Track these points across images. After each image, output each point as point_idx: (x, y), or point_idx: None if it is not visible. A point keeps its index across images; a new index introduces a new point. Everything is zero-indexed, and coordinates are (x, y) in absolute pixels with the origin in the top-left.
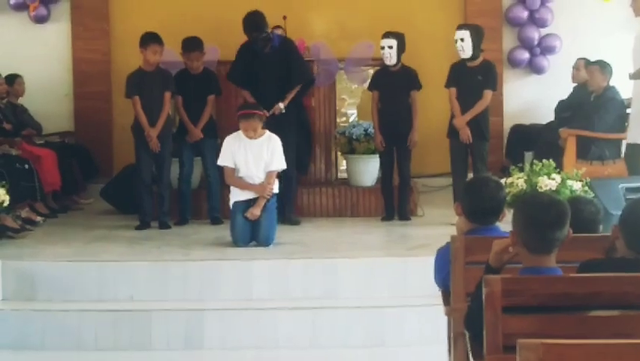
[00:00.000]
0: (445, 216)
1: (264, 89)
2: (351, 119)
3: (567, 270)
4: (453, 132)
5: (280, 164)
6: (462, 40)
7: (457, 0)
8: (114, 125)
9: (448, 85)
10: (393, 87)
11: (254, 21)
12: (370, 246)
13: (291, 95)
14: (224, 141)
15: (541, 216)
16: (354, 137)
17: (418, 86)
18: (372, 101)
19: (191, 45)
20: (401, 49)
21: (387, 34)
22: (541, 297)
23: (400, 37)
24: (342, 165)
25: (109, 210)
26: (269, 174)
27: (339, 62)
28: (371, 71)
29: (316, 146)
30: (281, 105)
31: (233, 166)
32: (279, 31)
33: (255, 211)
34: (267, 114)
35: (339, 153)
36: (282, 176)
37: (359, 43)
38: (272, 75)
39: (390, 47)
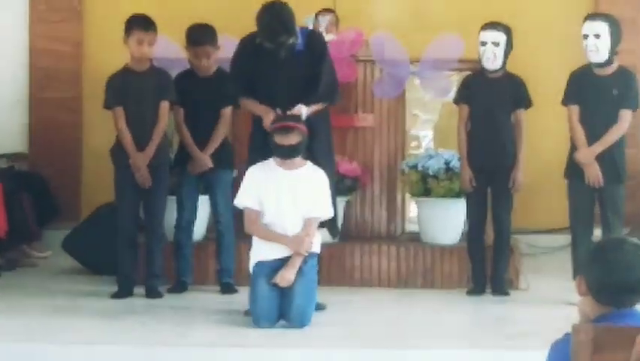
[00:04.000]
0: (561, 291)
1: (270, 105)
2: (424, 145)
3: None
4: (574, 170)
5: (326, 210)
6: (596, 36)
7: None
8: (85, 146)
9: (567, 101)
10: (492, 102)
11: (270, 26)
12: (451, 332)
13: (316, 108)
14: (247, 172)
15: None
16: (430, 172)
17: (526, 102)
18: (460, 120)
19: (200, 36)
20: (509, 48)
21: (493, 26)
22: None
23: (509, 32)
24: (412, 212)
25: (75, 269)
26: (308, 223)
27: (411, 63)
28: (456, 78)
29: (373, 183)
30: (303, 110)
31: (257, 209)
32: (326, 17)
33: (288, 275)
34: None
35: (407, 195)
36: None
37: (441, 36)
38: (287, 85)
39: (497, 44)
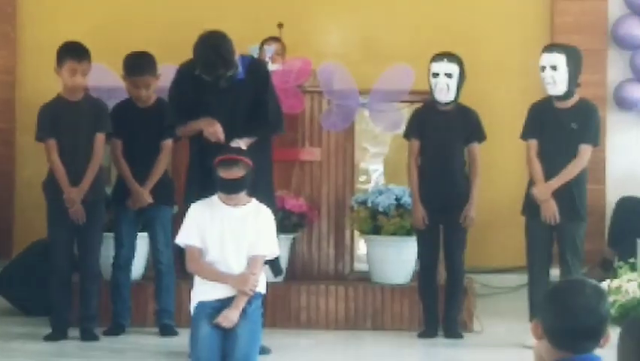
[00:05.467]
0: (516, 333)
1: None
2: (374, 179)
3: None
4: (531, 207)
5: (271, 248)
6: (553, 68)
7: (540, 9)
8: (17, 180)
9: (525, 135)
10: (444, 136)
11: (207, 58)
12: None
13: (250, 141)
14: (190, 208)
15: None
16: (380, 208)
17: (480, 135)
18: (411, 155)
19: (138, 65)
20: (462, 79)
21: (446, 57)
22: None
23: (461, 63)
24: (362, 250)
25: (5, 309)
26: (253, 261)
27: (360, 94)
28: (407, 110)
29: (321, 220)
30: (241, 144)
31: (199, 246)
32: (272, 46)
33: (232, 315)
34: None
35: (356, 233)
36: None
37: (392, 67)
38: (228, 114)
39: (449, 76)
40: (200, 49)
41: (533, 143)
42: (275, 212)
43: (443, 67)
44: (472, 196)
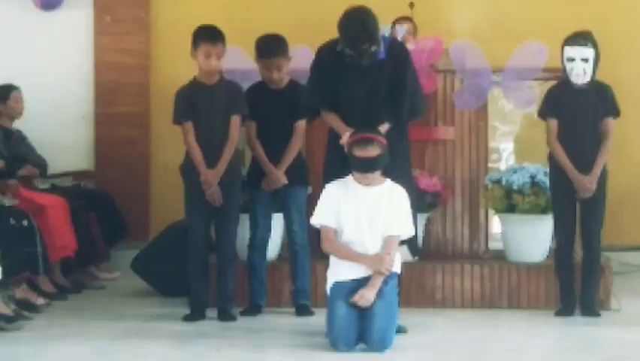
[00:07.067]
0: None
1: (351, 115)
2: (504, 158)
3: None
4: None
5: (406, 228)
6: None
7: None
8: (153, 162)
9: None
10: (580, 113)
11: (353, 32)
12: (539, 355)
13: (388, 126)
14: (325, 189)
15: None
16: (514, 187)
17: (615, 110)
18: (550, 134)
19: (270, 47)
20: (597, 61)
21: (581, 41)
22: None
23: (596, 45)
24: (496, 229)
25: (144, 291)
26: (389, 241)
27: (493, 73)
28: (539, 88)
29: (455, 199)
30: (380, 127)
31: (334, 226)
32: (404, 26)
33: (368, 294)
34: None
35: (491, 212)
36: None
37: (525, 44)
38: (369, 94)
39: (586, 60)
40: (345, 23)
41: None
42: (413, 194)
43: (579, 52)
44: (596, 166)
